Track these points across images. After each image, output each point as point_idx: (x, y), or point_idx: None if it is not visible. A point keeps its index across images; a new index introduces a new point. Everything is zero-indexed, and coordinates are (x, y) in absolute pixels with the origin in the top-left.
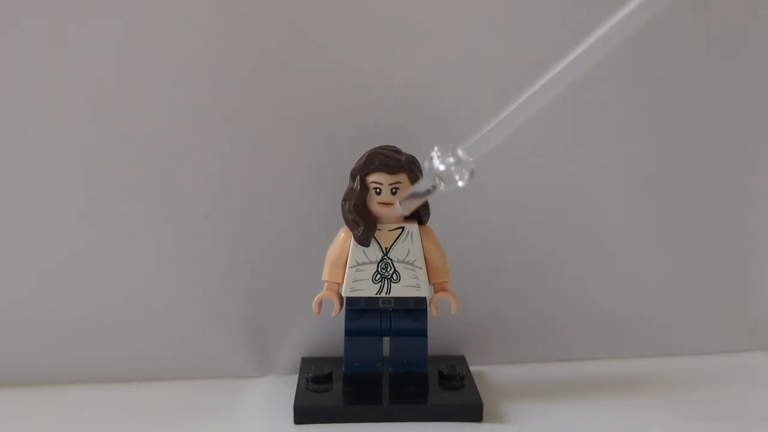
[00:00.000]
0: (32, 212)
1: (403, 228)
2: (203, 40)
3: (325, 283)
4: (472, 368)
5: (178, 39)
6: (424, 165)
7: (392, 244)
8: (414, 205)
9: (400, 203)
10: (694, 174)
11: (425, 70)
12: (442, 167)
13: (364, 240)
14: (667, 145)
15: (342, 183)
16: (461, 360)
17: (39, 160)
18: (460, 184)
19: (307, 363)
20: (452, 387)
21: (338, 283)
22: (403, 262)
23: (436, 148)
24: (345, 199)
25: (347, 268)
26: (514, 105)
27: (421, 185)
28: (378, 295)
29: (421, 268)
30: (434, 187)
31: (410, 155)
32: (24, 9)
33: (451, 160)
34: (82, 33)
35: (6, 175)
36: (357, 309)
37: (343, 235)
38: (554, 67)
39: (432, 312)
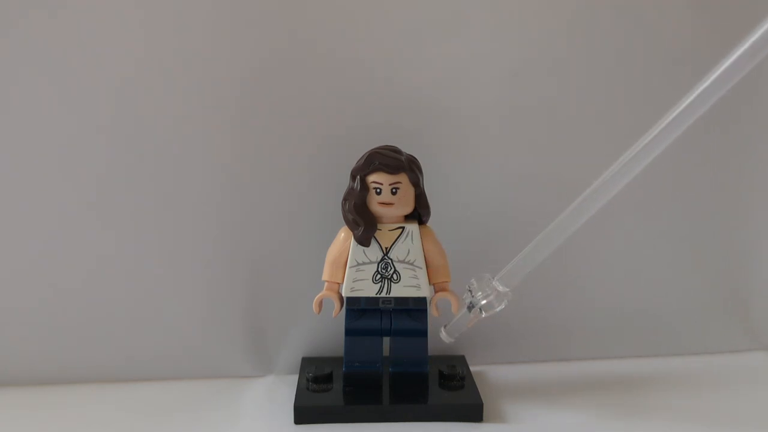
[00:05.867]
0: (34, 213)
1: (403, 228)
2: (205, 43)
3: (326, 283)
4: (472, 368)
5: (181, 41)
6: (463, 296)
7: (392, 244)
8: (460, 330)
9: (445, 330)
10: (694, 174)
11: (426, 70)
12: (483, 301)
13: (364, 240)
14: (669, 145)
15: (342, 183)
16: (461, 360)
17: (41, 161)
18: (499, 309)
19: (307, 363)
20: (452, 387)
21: (338, 283)
22: (403, 262)
23: (473, 281)
24: (345, 199)
25: (347, 268)
26: (544, 233)
27: (464, 317)
28: (378, 295)
29: (421, 268)
30: (475, 316)
31: (410, 155)
32: (25, 9)
33: (491, 294)
34: (85, 35)
35: (8, 176)
36: (357, 309)
37: (343, 235)
38: (580, 198)
39: (432, 312)
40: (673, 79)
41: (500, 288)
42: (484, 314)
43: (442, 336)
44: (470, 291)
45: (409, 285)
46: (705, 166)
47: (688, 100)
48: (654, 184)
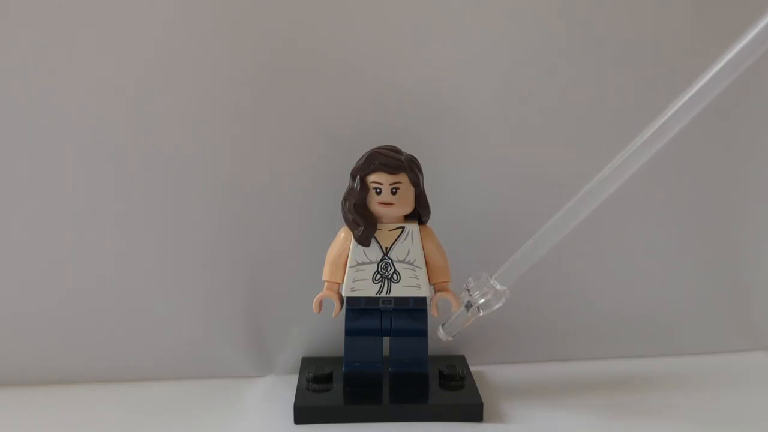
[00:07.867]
0: (35, 213)
1: (403, 228)
2: (208, 41)
3: (326, 283)
4: (472, 368)
5: (183, 39)
6: (461, 295)
7: (392, 244)
8: (457, 329)
9: (443, 328)
10: (695, 174)
11: (427, 69)
12: (481, 300)
13: (364, 240)
14: (670, 145)
15: (342, 183)
16: (461, 360)
17: (42, 160)
18: (497, 307)
19: (307, 363)
20: (452, 387)
21: (338, 283)
22: (403, 262)
23: (471, 280)
24: (345, 199)
25: (347, 268)
26: (540, 232)
27: (461, 316)
28: (378, 295)
29: (421, 268)
30: (473, 315)
31: (410, 155)
32: (25, 9)
33: (488, 293)
34: (87, 33)
35: (9, 175)
36: (357, 309)
37: (343, 234)
38: (577, 196)
39: (432, 312)
40: (675, 78)
41: (498, 287)
42: (482, 313)
43: (439, 334)
44: (468, 290)
45: (409, 285)
46: (705, 167)
47: (680, 102)
48: (654, 185)
